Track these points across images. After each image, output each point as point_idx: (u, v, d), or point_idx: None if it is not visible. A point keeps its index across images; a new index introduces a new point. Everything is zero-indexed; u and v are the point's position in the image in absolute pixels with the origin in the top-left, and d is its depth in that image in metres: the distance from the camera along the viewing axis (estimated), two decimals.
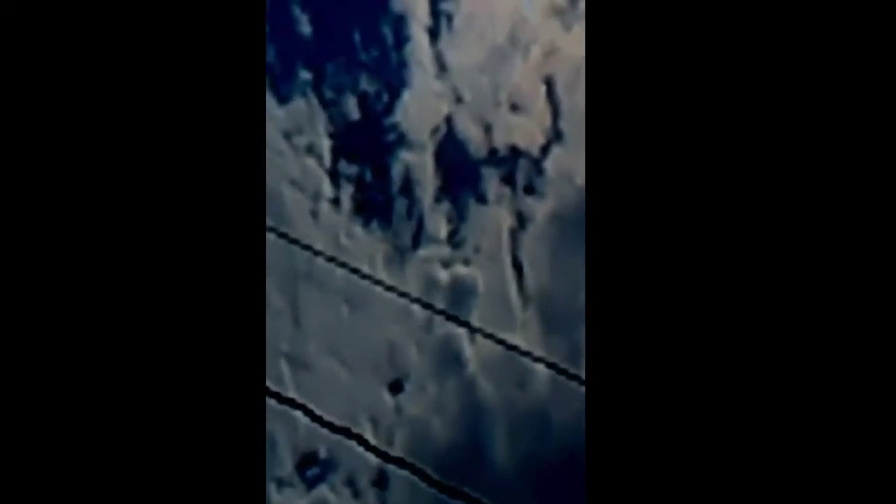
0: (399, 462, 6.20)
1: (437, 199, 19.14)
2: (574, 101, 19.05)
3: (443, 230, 18.98)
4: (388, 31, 19.58)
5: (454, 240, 18.90)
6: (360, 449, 6.37)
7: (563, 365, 7.67)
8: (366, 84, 19.46)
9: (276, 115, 19.19)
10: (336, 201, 19.01)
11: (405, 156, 19.28)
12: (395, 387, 18.15)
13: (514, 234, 18.89)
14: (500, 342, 7.50)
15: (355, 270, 7.86)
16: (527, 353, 7.52)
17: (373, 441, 6.42)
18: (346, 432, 6.28)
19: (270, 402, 6.22)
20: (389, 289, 7.94)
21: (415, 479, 6.01)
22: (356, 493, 17.63)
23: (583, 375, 7.58)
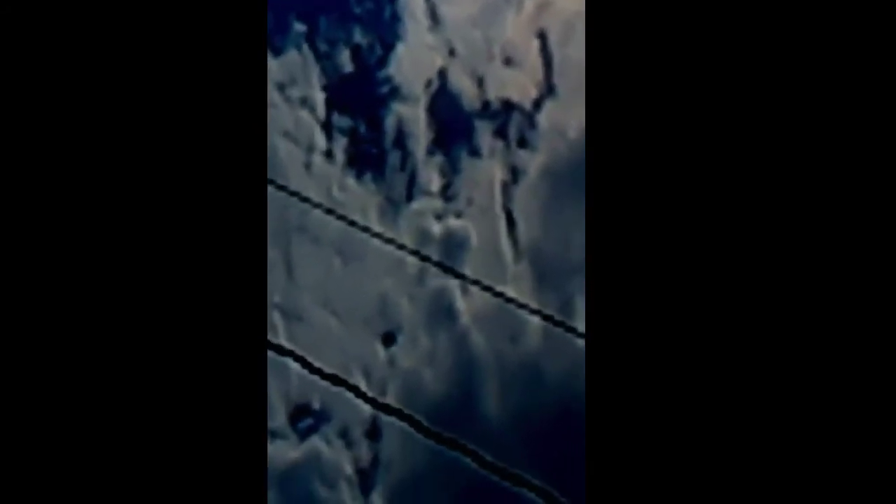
0: (392, 411, 6.25)
1: (431, 152, 19.17)
2: (567, 54, 19.04)
3: (436, 183, 19.01)
4: None
5: (447, 192, 18.93)
6: (354, 399, 6.42)
7: (556, 317, 7.72)
8: (359, 37, 19.44)
9: (270, 67, 19.17)
10: (329, 153, 19.03)
11: (398, 108, 19.30)
12: (388, 339, 18.24)
13: (507, 188, 18.93)
14: (497, 294, 7.58)
15: (351, 221, 7.92)
16: (522, 306, 7.60)
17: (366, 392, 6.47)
18: (341, 380, 6.33)
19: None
20: (379, 236, 7.99)
21: (408, 429, 6.05)
22: (349, 445, 17.74)
23: (575, 327, 7.62)
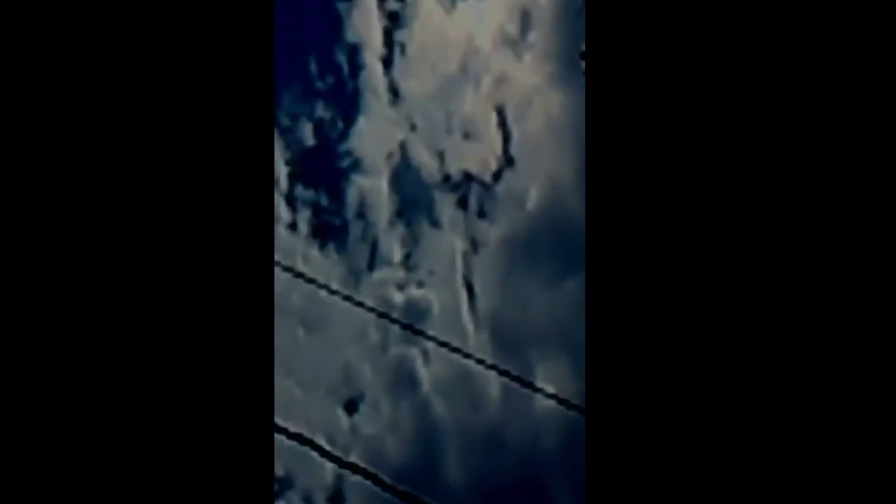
0: (357, 469, 6.41)
1: (392, 224, 19.42)
2: (524, 128, 19.42)
3: (397, 253, 19.25)
4: (342, 60, 19.88)
5: (408, 263, 19.18)
6: (317, 464, 6.57)
7: (515, 381, 7.87)
8: (321, 111, 19.75)
9: None
10: (293, 225, 19.25)
11: (360, 181, 19.56)
12: (351, 406, 18.37)
13: (467, 258, 19.19)
14: (454, 350, 7.77)
15: (313, 281, 8.12)
16: (481, 362, 7.78)
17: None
18: (306, 440, 6.50)
19: None
20: (348, 298, 8.17)
21: (372, 487, 6.22)
22: None
23: (540, 387, 7.81)
